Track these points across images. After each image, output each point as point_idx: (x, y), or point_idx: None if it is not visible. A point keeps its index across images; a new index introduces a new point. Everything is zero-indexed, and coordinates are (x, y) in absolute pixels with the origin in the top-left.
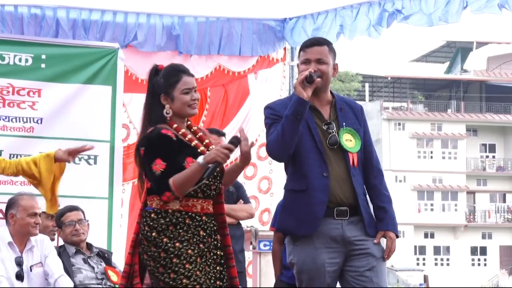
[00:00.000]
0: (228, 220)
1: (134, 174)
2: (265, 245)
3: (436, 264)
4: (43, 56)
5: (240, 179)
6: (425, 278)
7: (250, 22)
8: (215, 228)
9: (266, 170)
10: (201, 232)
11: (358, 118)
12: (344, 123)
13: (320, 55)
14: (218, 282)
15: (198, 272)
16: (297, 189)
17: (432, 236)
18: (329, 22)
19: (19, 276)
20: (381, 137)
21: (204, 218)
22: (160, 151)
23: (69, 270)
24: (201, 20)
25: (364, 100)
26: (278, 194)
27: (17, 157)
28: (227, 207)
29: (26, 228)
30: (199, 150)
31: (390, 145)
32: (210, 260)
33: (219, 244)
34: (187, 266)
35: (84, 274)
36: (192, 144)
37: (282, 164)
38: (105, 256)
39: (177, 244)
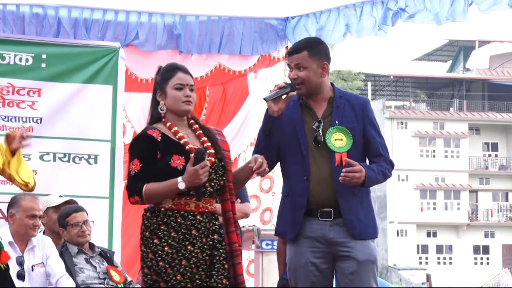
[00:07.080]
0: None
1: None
2: (267, 244)
3: (438, 263)
4: (44, 56)
5: None
6: (428, 277)
7: (252, 21)
8: (214, 227)
9: None
10: (193, 232)
11: (357, 115)
12: (336, 122)
13: (298, 60)
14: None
15: (178, 276)
16: (284, 195)
17: (434, 235)
18: (333, 21)
19: (20, 276)
20: (383, 136)
21: (198, 217)
22: (139, 152)
23: (71, 269)
24: (202, 19)
25: None
26: (279, 193)
27: None
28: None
29: (24, 229)
30: (187, 148)
31: (393, 144)
32: (201, 261)
33: (217, 244)
34: (168, 270)
35: (86, 274)
36: (181, 142)
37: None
38: (107, 256)
39: (166, 248)
